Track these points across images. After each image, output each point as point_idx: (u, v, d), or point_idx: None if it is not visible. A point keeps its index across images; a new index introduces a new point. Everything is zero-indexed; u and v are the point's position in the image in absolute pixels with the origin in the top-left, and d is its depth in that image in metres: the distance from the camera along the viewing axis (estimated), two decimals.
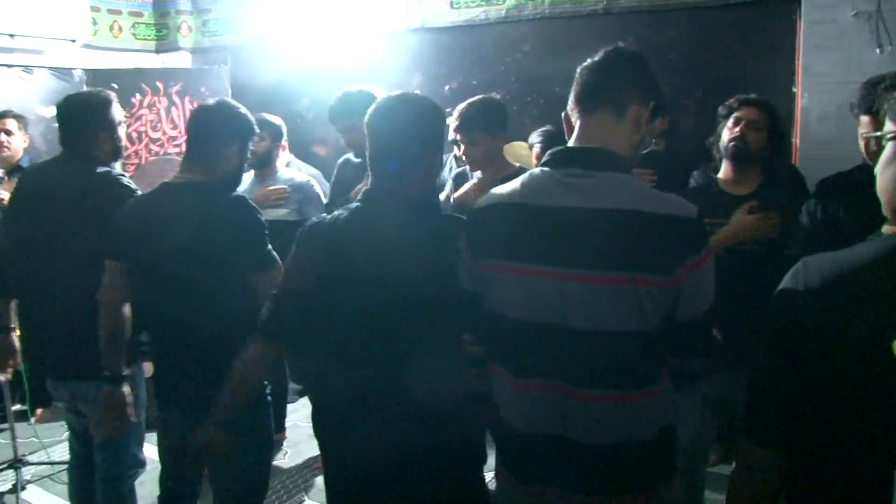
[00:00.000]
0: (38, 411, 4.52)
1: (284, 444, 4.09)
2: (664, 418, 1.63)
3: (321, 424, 2.03)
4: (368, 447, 1.88)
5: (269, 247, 2.29)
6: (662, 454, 1.65)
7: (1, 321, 2.99)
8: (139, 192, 2.61)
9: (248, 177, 3.82)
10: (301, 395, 4.48)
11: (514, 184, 1.69)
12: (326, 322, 1.92)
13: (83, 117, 2.70)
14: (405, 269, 1.81)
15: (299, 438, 4.17)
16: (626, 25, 4.06)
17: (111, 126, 2.73)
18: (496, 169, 2.89)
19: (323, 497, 3.25)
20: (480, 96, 3.02)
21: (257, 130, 2.40)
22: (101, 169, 2.67)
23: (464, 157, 2.99)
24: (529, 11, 4.35)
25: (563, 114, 1.72)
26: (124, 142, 2.82)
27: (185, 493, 2.56)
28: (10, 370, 3.10)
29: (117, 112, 2.76)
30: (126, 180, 2.67)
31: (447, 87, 4.69)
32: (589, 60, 1.66)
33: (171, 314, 2.34)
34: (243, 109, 2.37)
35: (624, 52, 1.66)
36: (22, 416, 4.14)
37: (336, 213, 1.95)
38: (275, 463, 3.58)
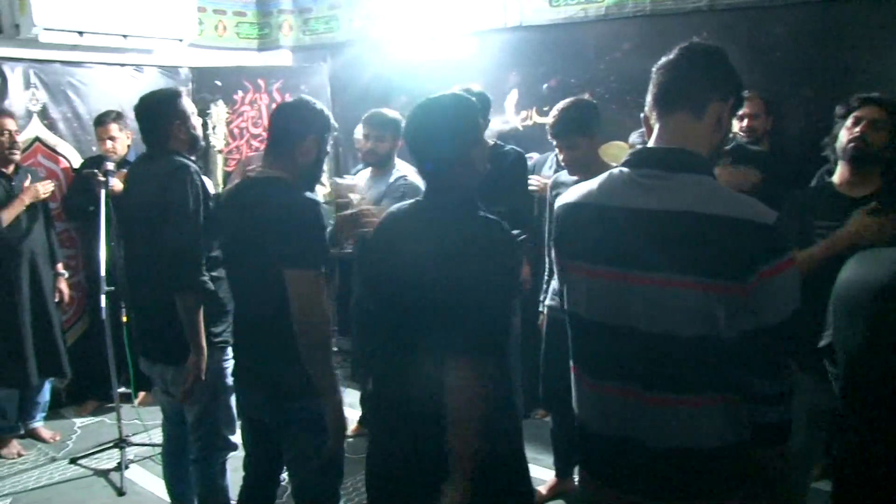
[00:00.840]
0: (141, 394, 4.74)
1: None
2: (731, 432, 1.59)
3: (374, 419, 2.08)
4: (409, 453, 1.89)
5: (316, 250, 2.23)
6: (726, 469, 1.60)
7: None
8: (205, 184, 2.70)
9: (364, 174, 3.97)
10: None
11: (592, 183, 1.70)
12: (377, 326, 2.00)
13: (155, 112, 2.78)
14: (429, 271, 1.80)
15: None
16: (730, 23, 3.96)
17: (183, 117, 2.80)
18: (594, 170, 2.80)
19: None
20: (572, 99, 3.01)
21: (335, 125, 2.43)
22: (177, 161, 2.73)
23: (563, 162, 2.99)
24: (630, 9, 4.30)
25: (641, 115, 1.70)
26: (199, 132, 2.89)
27: (268, 472, 2.61)
28: None
29: (187, 104, 2.84)
30: (194, 175, 2.69)
31: (545, 86, 4.67)
32: (664, 59, 1.63)
33: (244, 302, 2.44)
34: (320, 105, 2.40)
35: (698, 47, 1.62)
36: (125, 399, 4.32)
37: (405, 203, 2.02)
38: (354, 456, 3.60)
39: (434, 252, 1.81)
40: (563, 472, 3.63)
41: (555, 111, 2.96)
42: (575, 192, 1.74)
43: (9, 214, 4.06)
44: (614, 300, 1.60)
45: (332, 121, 2.41)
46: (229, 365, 2.78)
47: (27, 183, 4.18)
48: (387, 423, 1.99)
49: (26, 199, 4.13)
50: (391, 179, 3.76)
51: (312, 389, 2.24)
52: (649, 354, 1.56)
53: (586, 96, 3.11)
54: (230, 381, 2.75)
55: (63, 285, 4.47)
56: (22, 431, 4.39)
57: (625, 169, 1.64)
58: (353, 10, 5.66)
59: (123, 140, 4.54)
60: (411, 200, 2.02)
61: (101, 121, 4.52)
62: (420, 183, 3.58)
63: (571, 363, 1.78)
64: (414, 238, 1.89)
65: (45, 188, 4.23)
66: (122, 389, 4.28)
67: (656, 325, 1.54)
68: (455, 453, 1.74)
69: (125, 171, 3.61)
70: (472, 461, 1.74)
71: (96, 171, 3.98)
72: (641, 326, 1.55)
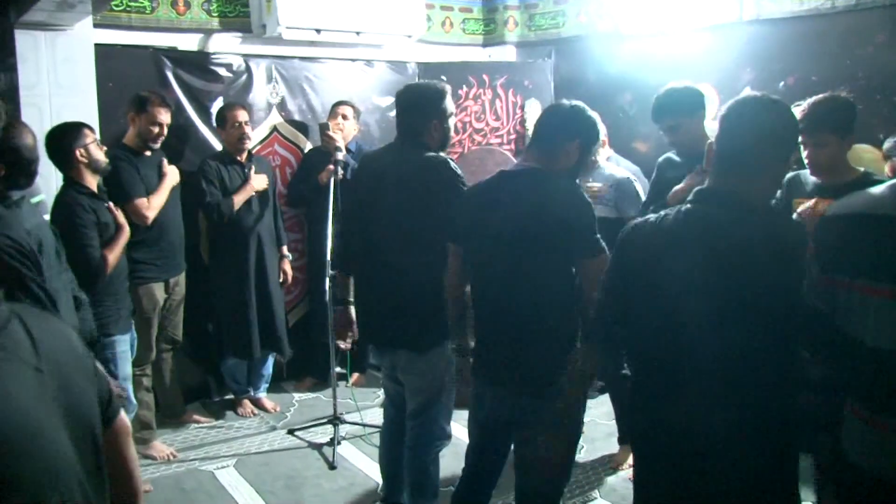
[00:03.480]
0: (355, 376, 5.12)
1: (581, 439, 4.11)
2: None
3: (642, 419, 1.99)
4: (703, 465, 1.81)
5: (598, 235, 2.35)
6: None
7: (342, 294, 3.32)
8: (463, 178, 2.80)
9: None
10: (602, 391, 4.54)
11: (880, 192, 1.61)
12: (644, 324, 1.93)
13: (420, 106, 2.89)
14: (739, 277, 1.73)
15: (596, 435, 4.29)
16: None
17: (443, 116, 2.89)
18: (840, 173, 2.78)
19: (614, 497, 3.49)
20: (828, 94, 2.87)
21: (602, 138, 2.48)
22: (432, 153, 2.84)
23: (807, 161, 2.89)
24: None
25: None
26: (452, 132, 2.98)
27: (489, 469, 2.69)
28: (349, 340, 3.42)
29: (450, 104, 2.93)
30: (454, 164, 2.83)
31: (782, 84, 4.51)
32: None
33: (497, 295, 2.47)
34: (593, 116, 2.47)
35: None
36: (340, 379, 4.62)
37: (662, 213, 1.93)
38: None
39: (746, 260, 1.73)
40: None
41: (806, 105, 2.84)
42: (850, 202, 1.67)
43: (239, 199, 4.41)
44: None
45: (602, 133, 2.45)
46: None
47: (252, 172, 4.49)
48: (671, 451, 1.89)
49: (250, 189, 4.45)
50: (596, 180, 3.85)
51: (559, 389, 2.30)
52: None
53: (843, 93, 2.98)
54: (453, 370, 2.89)
55: (287, 266, 4.80)
56: (252, 394, 4.84)
57: None
58: (579, 5, 5.69)
59: (352, 126, 4.84)
60: (686, 206, 1.91)
61: (338, 103, 4.87)
62: (636, 183, 3.89)
63: (842, 395, 1.69)
64: (720, 243, 1.79)
65: (261, 182, 4.51)
66: (338, 370, 4.55)
67: None
68: None
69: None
70: None
71: (339, 158, 4.21)
72: None
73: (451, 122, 2.93)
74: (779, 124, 1.83)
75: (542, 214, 2.32)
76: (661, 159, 3.51)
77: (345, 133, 4.75)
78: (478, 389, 2.59)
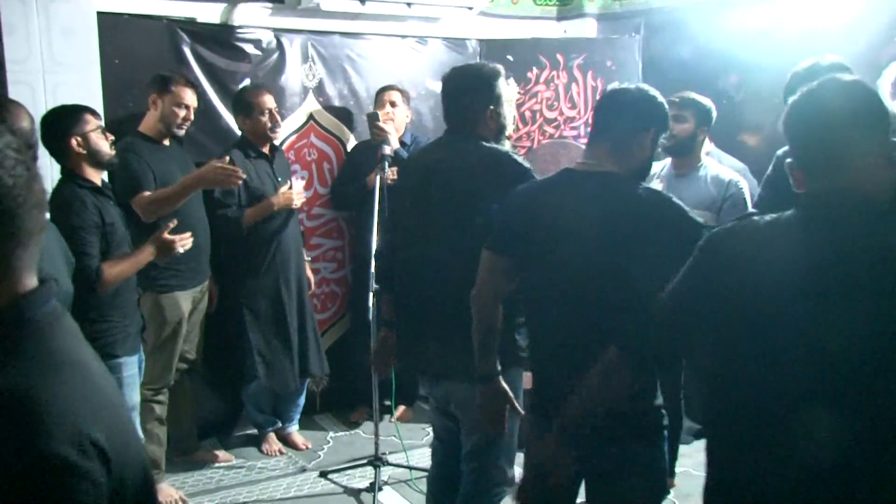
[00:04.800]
0: (401, 408, 4.92)
1: (672, 492, 3.95)
2: None
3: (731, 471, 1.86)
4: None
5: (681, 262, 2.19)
6: None
7: (384, 316, 3.21)
8: (533, 173, 2.70)
9: (657, 166, 3.83)
10: (697, 437, 4.34)
11: None
12: (735, 359, 1.80)
13: (471, 90, 2.82)
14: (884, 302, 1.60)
15: (690, 490, 3.98)
16: None
17: (498, 102, 2.82)
18: None
19: None
20: None
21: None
22: (489, 146, 2.77)
23: None
24: None
25: None
26: (510, 121, 2.94)
27: None
28: (388, 368, 3.35)
29: (505, 87, 2.85)
30: (519, 158, 2.75)
31: None
32: None
33: (559, 319, 2.35)
34: (661, 98, 2.39)
35: None
36: (383, 412, 4.51)
37: (770, 217, 1.83)
38: None
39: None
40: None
41: None
42: None
43: (252, 216, 4.17)
44: None
45: (669, 119, 2.42)
46: (521, 386, 2.79)
47: (285, 188, 4.28)
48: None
49: (276, 205, 4.23)
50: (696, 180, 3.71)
51: (657, 428, 2.27)
52: None
53: None
54: (521, 406, 2.74)
55: (309, 272, 4.64)
56: (279, 424, 4.65)
57: None
58: None
59: (402, 113, 4.66)
60: (789, 213, 1.80)
61: (383, 89, 4.68)
62: (744, 186, 3.72)
63: None
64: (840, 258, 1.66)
65: (300, 198, 4.36)
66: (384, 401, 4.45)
67: None
68: None
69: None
70: None
71: (386, 153, 4.03)
72: None
73: (509, 109, 2.92)
74: (868, 111, 1.73)
75: (615, 229, 2.20)
76: (780, 152, 3.25)
77: (396, 123, 4.56)
78: (536, 429, 2.47)
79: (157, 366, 3.83)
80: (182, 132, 3.98)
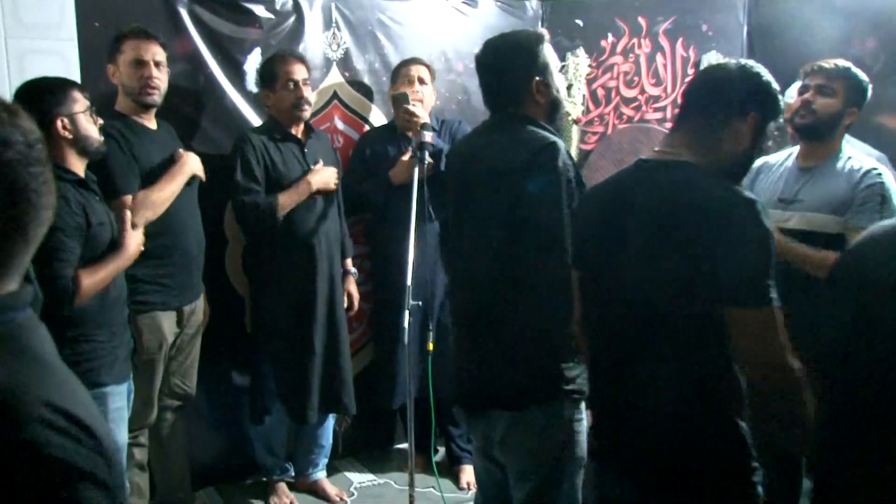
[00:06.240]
0: (442, 449, 4.67)
1: None
2: None
3: None
4: None
5: (770, 281, 2.08)
6: None
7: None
8: (573, 175, 2.64)
9: (779, 155, 3.58)
10: None
11: None
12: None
13: (511, 60, 2.75)
14: None
15: None
16: None
17: (546, 72, 2.74)
18: None
19: None
20: None
21: (783, 110, 2.37)
22: (539, 136, 2.66)
23: None
24: None
25: None
26: (564, 94, 2.82)
27: None
28: None
29: (552, 54, 2.78)
30: (564, 154, 2.61)
31: None
32: None
33: (624, 345, 2.29)
34: (769, 77, 2.28)
35: None
36: (420, 453, 4.15)
37: None
38: None
39: None
40: None
41: None
42: None
43: (289, 201, 3.89)
44: None
45: (783, 102, 2.31)
46: (583, 426, 2.67)
47: (319, 164, 4.01)
48: None
49: (314, 184, 3.94)
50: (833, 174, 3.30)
51: (743, 485, 2.20)
52: None
53: None
54: (583, 449, 2.69)
55: (353, 287, 4.33)
56: (291, 473, 4.40)
57: None
58: None
59: (431, 93, 4.41)
60: None
61: (407, 62, 4.39)
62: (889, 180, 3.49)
63: None
64: None
65: (327, 178, 4.10)
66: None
67: None
68: None
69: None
70: None
71: (426, 140, 3.79)
72: None
73: (560, 80, 2.79)
74: None
75: (683, 236, 2.13)
76: None
77: (425, 104, 4.30)
78: (598, 478, 2.47)
79: (135, 403, 3.46)
80: (151, 98, 3.59)
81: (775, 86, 2.28)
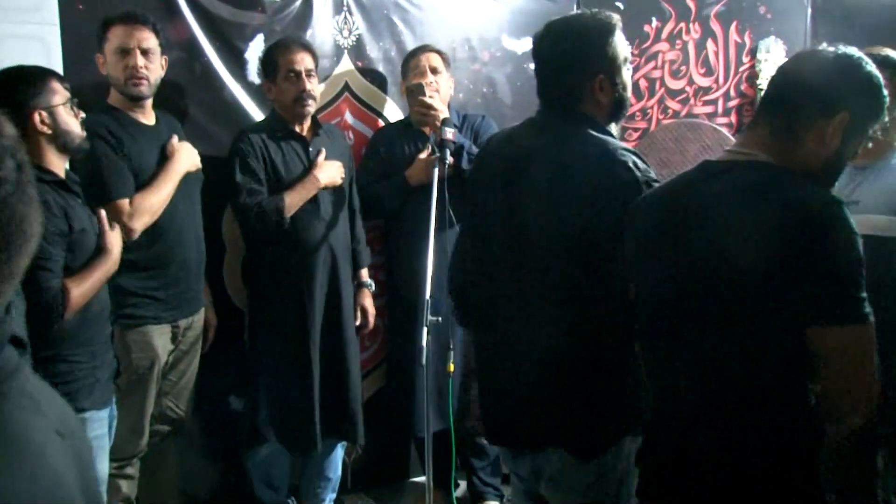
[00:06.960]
0: (463, 483, 4.49)
1: None
2: None
3: None
4: None
5: (863, 293, 1.99)
6: None
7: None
8: (652, 180, 2.53)
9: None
10: None
11: None
12: None
13: (573, 54, 2.61)
14: None
15: None
16: None
17: (612, 68, 2.62)
18: None
19: None
20: None
21: (887, 107, 2.24)
22: (594, 137, 2.59)
23: None
24: None
25: None
26: (629, 91, 2.69)
27: None
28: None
29: (623, 46, 2.66)
30: (639, 161, 2.54)
31: None
32: None
33: (676, 369, 2.26)
34: (870, 69, 2.16)
35: None
36: (439, 486, 3.91)
37: None
38: None
39: None
40: None
41: None
42: None
43: (295, 200, 3.73)
44: None
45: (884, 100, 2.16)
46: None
47: (321, 157, 3.86)
48: None
49: (322, 179, 3.79)
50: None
51: None
52: None
53: None
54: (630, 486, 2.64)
55: (367, 301, 4.16)
56: None
57: None
58: None
59: (447, 83, 4.21)
60: None
61: (419, 50, 4.22)
62: None
63: None
64: None
65: (333, 173, 3.95)
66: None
67: None
68: None
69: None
70: None
71: (448, 137, 3.62)
72: None
73: (627, 75, 2.66)
74: None
75: (751, 245, 2.02)
76: None
77: (441, 95, 4.12)
78: None
79: (121, 428, 3.30)
80: (138, 90, 3.44)
81: (878, 80, 2.11)
